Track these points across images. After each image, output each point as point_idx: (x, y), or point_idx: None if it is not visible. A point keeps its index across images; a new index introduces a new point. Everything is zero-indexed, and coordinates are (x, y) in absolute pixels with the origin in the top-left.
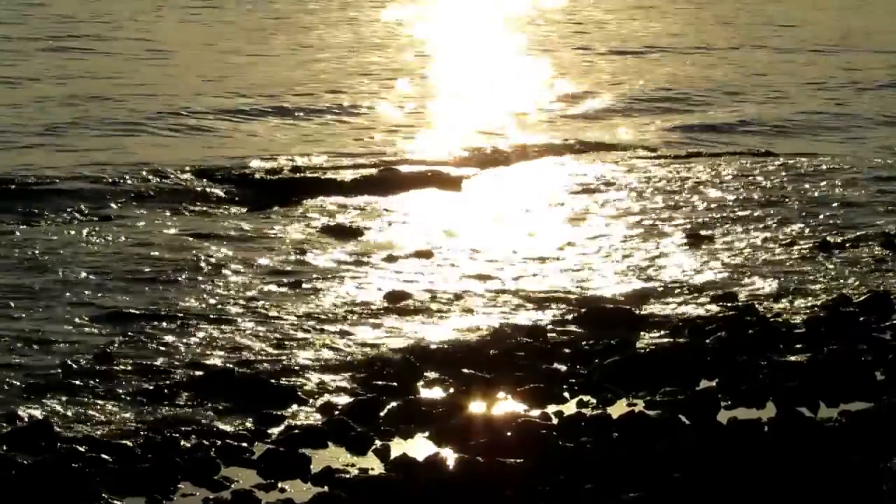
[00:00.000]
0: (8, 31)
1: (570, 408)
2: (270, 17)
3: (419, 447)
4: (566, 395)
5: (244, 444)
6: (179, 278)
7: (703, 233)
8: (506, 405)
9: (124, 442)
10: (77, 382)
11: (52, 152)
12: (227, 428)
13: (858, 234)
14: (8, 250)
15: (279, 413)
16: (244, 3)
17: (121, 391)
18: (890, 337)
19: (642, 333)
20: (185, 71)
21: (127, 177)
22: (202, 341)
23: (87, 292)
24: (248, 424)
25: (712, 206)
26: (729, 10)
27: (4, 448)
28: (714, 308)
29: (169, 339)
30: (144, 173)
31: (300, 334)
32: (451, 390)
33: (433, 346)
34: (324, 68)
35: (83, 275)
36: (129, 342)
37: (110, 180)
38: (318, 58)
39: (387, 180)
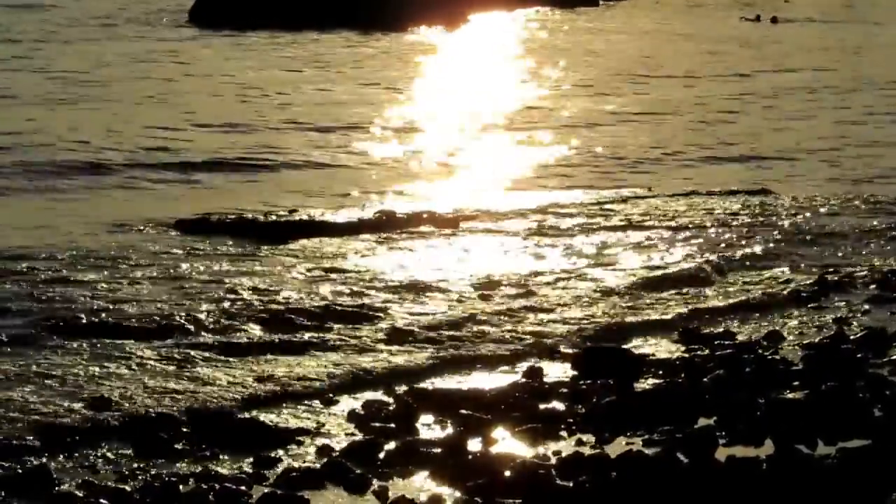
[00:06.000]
0: None
1: (568, 447)
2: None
3: (418, 488)
4: (564, 434)
5: (242, 488)
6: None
7: (699, 273)
8: (504, 445)
9: (122, 487)
10: (74, 427)
11: None
12: (225, 471)
13: (853, 270)
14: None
15: (277, 455)
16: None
17: (118, 435)
18: (887, 373)
19: (639, 373)
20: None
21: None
22: (198, 383)
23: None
24: (247, 467)
25: (705, 245)
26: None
27: (3, 494)
28: (711, 347)
29: (164, 381)
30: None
31: (296, 373)
32: (449, 431)
33: (430, 387)
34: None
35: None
36: (124, 385)
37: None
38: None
39: (383, 223)
